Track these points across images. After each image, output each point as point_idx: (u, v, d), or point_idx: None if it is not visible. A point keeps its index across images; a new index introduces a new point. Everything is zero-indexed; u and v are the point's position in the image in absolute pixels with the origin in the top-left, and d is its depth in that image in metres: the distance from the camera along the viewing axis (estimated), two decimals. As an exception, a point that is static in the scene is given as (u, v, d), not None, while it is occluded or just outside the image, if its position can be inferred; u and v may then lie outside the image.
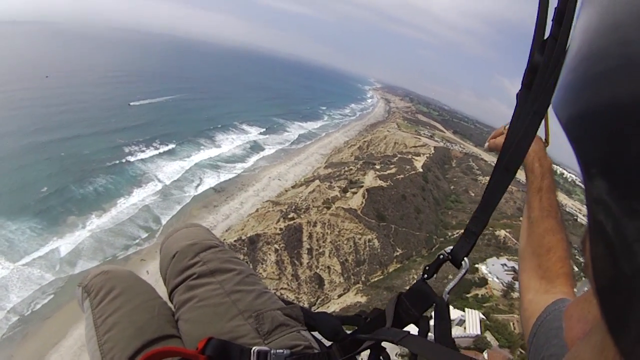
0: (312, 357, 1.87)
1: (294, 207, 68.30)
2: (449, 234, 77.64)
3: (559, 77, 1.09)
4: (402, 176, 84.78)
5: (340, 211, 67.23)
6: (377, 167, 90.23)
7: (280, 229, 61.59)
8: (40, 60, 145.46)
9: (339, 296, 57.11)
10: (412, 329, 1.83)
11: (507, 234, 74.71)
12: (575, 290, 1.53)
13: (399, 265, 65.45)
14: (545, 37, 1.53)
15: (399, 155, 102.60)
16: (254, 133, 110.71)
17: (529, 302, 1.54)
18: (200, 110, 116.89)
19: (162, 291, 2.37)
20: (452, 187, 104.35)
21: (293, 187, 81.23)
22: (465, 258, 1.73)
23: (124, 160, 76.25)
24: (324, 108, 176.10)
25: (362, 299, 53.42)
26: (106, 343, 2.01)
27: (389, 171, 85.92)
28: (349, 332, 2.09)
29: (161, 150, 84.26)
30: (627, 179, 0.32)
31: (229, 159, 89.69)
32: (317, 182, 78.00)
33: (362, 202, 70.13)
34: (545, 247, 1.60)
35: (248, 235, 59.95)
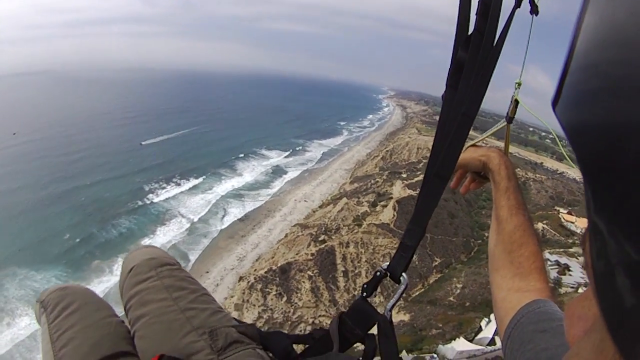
0: None
1: (323, 228, 66.56)
2: (486, 234, 73.17)
3: (487, 75, 1.48)
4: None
5: (373, 227, 65.11)
6: (404, 175, 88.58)
7: (312, 254, 59.72)
8: (50, 109, 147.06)
9: (381, 315, 53.88)
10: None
11: (545, 226, 72.52)
12: (549, 284, 1.55)
13: (439, 276, 63.12)
14: (470, 32, 1.51)
15: (423, 161, 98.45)
16: (275, 157, 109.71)
17: (502, 301, 1.54)
18: (216, 141, 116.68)
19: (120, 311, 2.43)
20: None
21: (320, 207, 79.83)
22: (403, 273, 1.74)
23: (145, 200, 76.01)
24: (342, 123, 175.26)
25: (405, 317, 51.38)
26: (62, 358, 2.03)
27: (416, 179, 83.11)
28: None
29: (182, 186, 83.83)
30: (627, 187, 0.33)
31: (252, 187, 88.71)
32: (344, 199, 76.29)
33: (394, 215, 67.88)
34: (516, 243, 1.60)
35: (279, 264, 58.29)
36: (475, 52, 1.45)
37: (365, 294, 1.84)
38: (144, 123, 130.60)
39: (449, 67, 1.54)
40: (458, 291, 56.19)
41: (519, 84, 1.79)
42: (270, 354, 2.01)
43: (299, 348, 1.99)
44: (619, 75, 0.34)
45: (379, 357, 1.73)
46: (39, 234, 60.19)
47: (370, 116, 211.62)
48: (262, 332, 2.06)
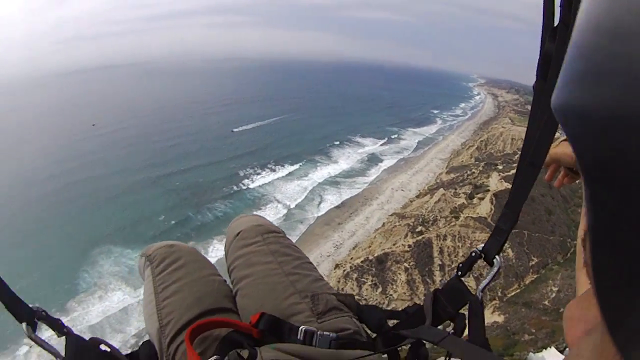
0: (356, 344, 1.95)
1: (420, 219, 66.05)
2: (583, 234, 70.71)
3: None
4: (527, 175, 78.98)
5: (470, 221, 64.08)
6: (500, 167, 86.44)
7: (409, 246, 59.43)
8: (140, 99, 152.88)
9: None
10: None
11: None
12: None
13: (535, 276, 61.12)
14: (556, 24, 1.51)
15: (519, 152, 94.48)
16: (370, 145, 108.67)
17: None
18: (309, 128, 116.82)
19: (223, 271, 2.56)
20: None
21: (417, 196, 78.93)
22: (497, 256, 1.83)
23: (240, 185, 77.02)
24: (435, 111, 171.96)
25: (500, 319, 50.62)
26: (165, 308, 2.17)
27: (512, 171, 79.83)
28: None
29: (277, 172, 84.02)
30: (626, 182, 0.32)
31: (348, 174, 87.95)
32: (441, 190, 75.35)
33: (491, 209, 66.48)
34: None
35: (375, 254, 58.31)
36: (561, 43, 1.49)
37: (460, 273, 2.02)
38: (234, 111, 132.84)
39: (538, 57, 1.62)
40: (553, 295, 54.70)
41: None
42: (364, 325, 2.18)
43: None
44: (617, 60, 0.32)
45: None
46: (135, 215, 62.85)
47: (463, 104, 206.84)
48: (360, 304, 2.22)
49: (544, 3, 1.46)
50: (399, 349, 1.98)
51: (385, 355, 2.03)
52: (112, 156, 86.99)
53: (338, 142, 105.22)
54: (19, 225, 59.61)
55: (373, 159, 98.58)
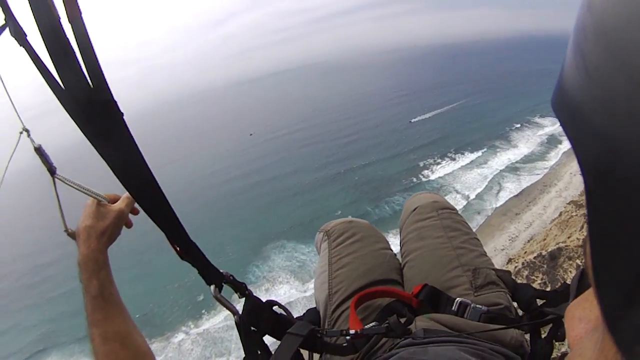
0: (503, 319, 2.01)
1: (600, 209, 59.65)
2: None
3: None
4: None
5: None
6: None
7: (584, 240, 53.51)
8: (314, 100, 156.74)
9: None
10: None
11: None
12: None
13: None
14: None
15: None
16: (549, 125, 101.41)
17: None
18: (488, 112, 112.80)
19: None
20: None
21: None
22: None
23: (420, 177, 75.89)
24: None
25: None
26: (336, 277, 2.37)
27: None
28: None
29: (457, 161, 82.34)
30: (627, 183, 0.32)
31: (528, 159, 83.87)
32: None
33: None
34: None
35: (549, 249, 53.97)
36: None
37: None
38: (412, 101, 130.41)
39: None
40: None
41: None
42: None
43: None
44: (615, 62, 0.33)
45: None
46: (312, 212, 63.09)
47: None
48: (516, 281, 2.25)
49: None
50: (541, 327, 1.99)
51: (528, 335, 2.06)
52: (292, 156, 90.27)
53: (517, 125, 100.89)
54: (200, 221, 63.15)
55: (552, 141, 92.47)
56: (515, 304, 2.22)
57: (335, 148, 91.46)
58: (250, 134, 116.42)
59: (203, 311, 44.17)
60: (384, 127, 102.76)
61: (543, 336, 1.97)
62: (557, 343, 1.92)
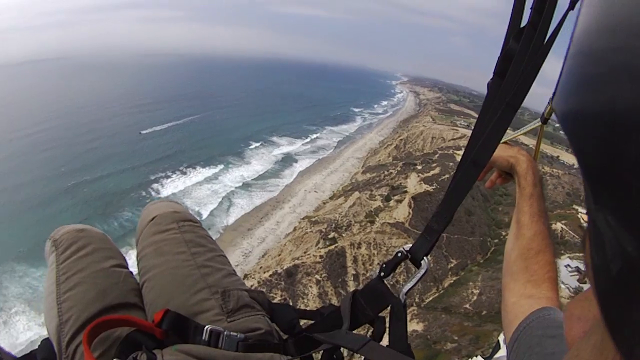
0: (266, 345, 1.88)
1: (334, 224, 63.31)
2: (503, 233, 69.75)
3: (535, 69, 1.39)
4: (447, 176, 76.95)
5: (387, 227, 61.55)
6: (419, 167, 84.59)
7: (321, 256, 56.42)
8: (62, 96, 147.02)
9: (394, 321, 50.31)
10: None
11: (564, 227, 67.36)
12: (559, 295, 1.58)
13: (454, 279, 59.77)
14: (523, 25, 1.51)
15: (439, 152, 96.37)
16: (285, 145, 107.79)
17: (513, 305, 1.57)
18: (229, 128, 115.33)
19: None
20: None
21: (331, 198, 77.29)
22: (425, 257, 1.70)
23: (149, 191, 75.19)
24: (356, 109, 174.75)
25: (419, 327, 48.06)
26: (65, 302, 2.01)
27: (432, 172, 79.75)
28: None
29: (188, 175, 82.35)
30: (625, 183, 0.32)
31: (262, 176, 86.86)
32: (356, 193, 72.91)
33: (409, 213, 64.47)
34: (534, 250, 1.63)
35: (285, 266, 55.28)
36: (526, 44, 1.42)
37: (382, 274, 1.77)
38: (155, 110, 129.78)
39: (498, 55, 1.53)
40: (475, 298, 52.99)
41: None
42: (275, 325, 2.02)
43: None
44: (617, 62, 0.33)
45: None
46: (43, 230, 57.27)
47: (384, 102, 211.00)
48: (272, 302, 2.06)
49: (514, 3, 1.49)
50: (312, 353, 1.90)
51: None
52: (23, 163, 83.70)
53: (252, 142, 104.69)
54: None
55: (287, 159, 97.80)
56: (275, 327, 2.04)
57: (75, 155, 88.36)
58: None
59: None
60: (121, 137, 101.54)
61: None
62: None
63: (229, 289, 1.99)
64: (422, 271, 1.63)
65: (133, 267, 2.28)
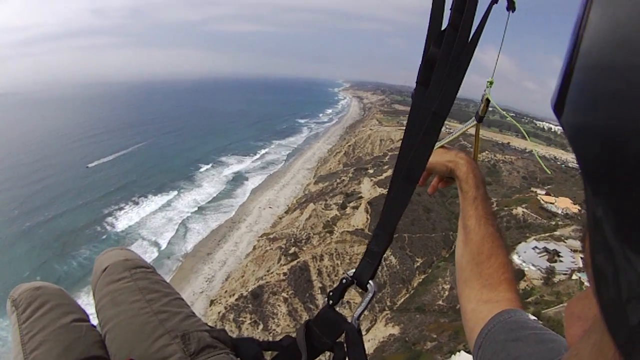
0: None
1: (293, 239, 62.92)
2: (463, 224, 71.11)
3: (461, 72, 1.43)
4: (400, 177, 77.99)
5: (346, 235, 61.69)
6: (370, 171, 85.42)
7: (284, 273, 56.06)
8: (2, 136, 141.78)
9: (368, 330, 50.17)
10: None
11: (525, 210, 69.90)
12: (519, 294, 1.56)
13: (423, 277, 59.94)
14: (443, 28, 1.48)
15: (389, 154, 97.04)
16: (235, 164, 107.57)
17: (472, 312, 1.55)
18: (177, 153, 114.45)
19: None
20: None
21: (286, 212, 77.37)
22: (370, 281, 1.71)
23: (104, 226, 74.01)
24: (301, 121, 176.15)
25: (395, 330, 47.98)
26: None
27: (385, 174, 79.54)
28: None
29: (141, 205, 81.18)
30: (627, 189, 0.33)
31: (214, 198, 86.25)
32: (311, 205, 72.68)
33: (367, 218, 64.55)
34: (485, 254, 1.61)
35: (249, 288, 54.62)
36: (448, 48, 1.41)
37: (331, 302, 1.79)
38: (101, 141, 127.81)
39: (419, 63, 1.50)
40: (446, 293, 53.42)
41: (491, 83, 1.75)
42: None
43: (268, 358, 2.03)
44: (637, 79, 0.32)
45: None
46: (3, 282, 53.54)
47: (329, 110, 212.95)
48: (234, 337, 2.09)
49: (432, 6, 1.45)
50: None
51: None
52: None
53: (202, 165, 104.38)
54: None
55: (238, 178, 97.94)
56: None
57: (26, 196, 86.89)
58: None
59: None
60: (70, 173, 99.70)
61: None
62: None
63: (188, 331, 2.00)
64: (370, 295, 1.64)
65: (94, 317, 2.26)
